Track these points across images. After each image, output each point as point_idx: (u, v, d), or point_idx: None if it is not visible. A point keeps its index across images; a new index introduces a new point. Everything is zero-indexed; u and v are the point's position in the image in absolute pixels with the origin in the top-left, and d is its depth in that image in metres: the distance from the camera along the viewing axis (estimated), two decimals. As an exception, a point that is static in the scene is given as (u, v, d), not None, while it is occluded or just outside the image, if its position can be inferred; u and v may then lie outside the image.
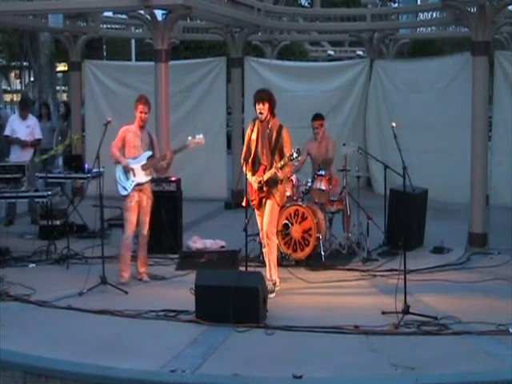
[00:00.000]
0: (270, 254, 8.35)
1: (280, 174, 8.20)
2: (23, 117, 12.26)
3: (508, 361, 6.05)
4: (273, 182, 8.26)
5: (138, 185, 8.70)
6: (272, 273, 8.32)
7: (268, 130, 8.29)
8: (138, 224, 8.78)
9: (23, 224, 11.95)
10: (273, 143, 8.25)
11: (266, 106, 8.25)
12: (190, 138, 8.81)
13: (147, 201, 8.80)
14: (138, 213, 8.74)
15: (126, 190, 8.68)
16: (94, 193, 9.71)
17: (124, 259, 8.71)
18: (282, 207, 9.67)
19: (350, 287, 8.55)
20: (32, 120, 12.39)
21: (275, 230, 8.53)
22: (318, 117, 10.47)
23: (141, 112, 8.71)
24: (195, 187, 12.70)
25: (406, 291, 7.25)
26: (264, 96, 8.30)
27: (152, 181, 9.03)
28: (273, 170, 8.18)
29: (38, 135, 12.28)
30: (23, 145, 11.98)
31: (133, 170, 8.67)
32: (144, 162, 8.73)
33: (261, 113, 8.24)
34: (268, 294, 7.67)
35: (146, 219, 8.83)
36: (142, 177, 8.73)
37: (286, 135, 8.28)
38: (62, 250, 9.80)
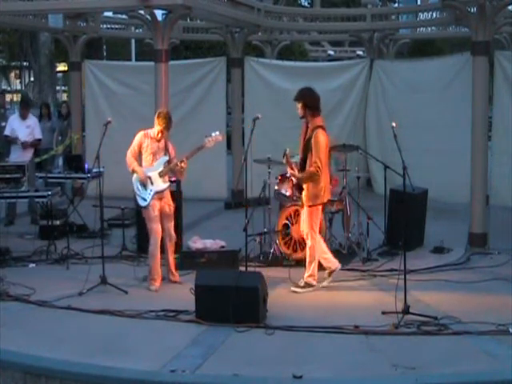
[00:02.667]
0: (308, 252, 8.43)
1: (297, 175, 8.31)
2: (23, 116, 12.23)
3: (508, 361, 6.05)
4: (300, 181, 8.36)
5: (157, 193, 8.51)
6: (307, 270, 8.38)
7: (305, 130, 8.32)
8: (162, 231, 8.58)
9: (23, 224, 11.94)
10: (304, 144, 8.29)
11: (300, 104, 8.29)
12: (205, 137, 8.64)
13: (169, 208, 8.64)
14: (161, 221, 8.56)
15: (146, 200, 8.47)
16: (93, 193, 9.71)
17: (156, 270, 8.53)
18: (282, 207, 9.71)
19: (350, 287, 8.55)
20: (32, 120, 12.37)
21: (312, 232, 8.36)
22: None
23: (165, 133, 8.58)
24: (195, 187, 12.68)
25: (406, 291, 7.26)
26: (297, 95, 8.36)
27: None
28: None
29: (39, 135, 12.26)
30: (24, 145, 11.96)
31: (150, 178, 8.48)
32: (161, 168, 8.53)
33: (299, 111, 8.32)
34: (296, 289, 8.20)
35: (171, 225, 8.67)
36: (160, 184, 8.52)
37: (317, 137, 8.15)
38: (62, 250, 9.81)
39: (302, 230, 8.61)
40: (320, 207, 8.46)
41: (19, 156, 11.80)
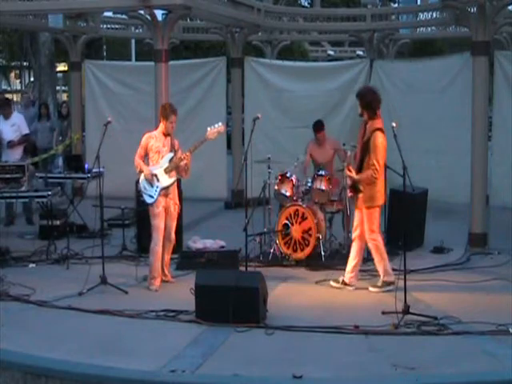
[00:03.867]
0: (374, 256, 8.38)
1: (355, 176, 8.20)
2: (6, 116, 12.01)
3: (508, 361, 6.04)
4: (357, 183, 8.27)
5: (163, 189, 8.49)
6: (380, 273, 8.32)
7: (363, 131, 8.23)
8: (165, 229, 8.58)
9: (23, 224, 11.95)
10: (362, 145, 8.20)
11: (359, 103, 8.21)
12: (208, 128, 8.59)
13: (174, 207, 8.64)
14: (165, 218, 8.55)
15: (153, 197, 8.47)
16: (94, 193, 9.71)
17: (156, 268, 8.52)
18: (282, 207, 9.72)
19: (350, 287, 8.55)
20: (17, 118, 12.17)
21: (372, 234, 8.27)
22: (320, 128, 10.40)
23: (172, 122, 8.53)
24: (195, 187, 12.69)
25: (406, 291, 7.26)
26: (358, 93, 8.31)
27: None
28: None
29: (25, 130, 12.06)
30: (10, 145, 11.81)
31: (156, 175, 8.48)
32: (166, 164, 8.53)
33: (359, 109, 8.27)
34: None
35: (173, 225, 8.67)
36: (165, 180, 8.51)
37: (376, 140, 8.04)
38: (62, 250, 9.81)
39: (354, 235, 8.46)
40: (377, 209, 8.33)
41: (8, 156, 11.67)
